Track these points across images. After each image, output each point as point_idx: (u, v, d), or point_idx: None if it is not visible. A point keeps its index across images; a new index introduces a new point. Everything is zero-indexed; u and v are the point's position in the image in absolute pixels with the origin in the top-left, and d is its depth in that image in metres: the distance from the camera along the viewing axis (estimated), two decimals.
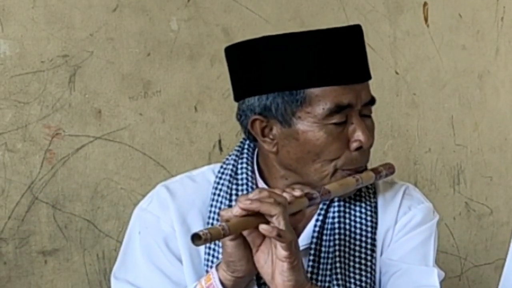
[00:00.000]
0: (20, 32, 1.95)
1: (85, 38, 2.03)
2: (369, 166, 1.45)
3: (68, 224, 2.02)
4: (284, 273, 1.25)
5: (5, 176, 1.95)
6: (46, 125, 1.99)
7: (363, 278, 1.41)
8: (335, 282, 1.40)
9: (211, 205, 1.44)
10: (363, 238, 1.42)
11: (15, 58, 1.95)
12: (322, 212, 1.42)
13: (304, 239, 1.40)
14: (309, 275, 1.38)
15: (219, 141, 2.24)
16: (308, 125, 1.36)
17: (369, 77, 1.43)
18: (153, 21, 2.13)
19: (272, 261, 1.27)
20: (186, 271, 1.42)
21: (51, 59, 1.99)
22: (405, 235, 1.45)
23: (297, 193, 1.30)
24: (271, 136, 1.39)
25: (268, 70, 1.37)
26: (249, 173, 1.44)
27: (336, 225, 1.42)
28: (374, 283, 1.43)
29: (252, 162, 1.46)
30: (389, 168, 1.43)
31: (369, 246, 1.42)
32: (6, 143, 1.95)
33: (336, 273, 1.40)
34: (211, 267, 1.36)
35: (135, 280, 1.42)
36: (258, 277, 1.36)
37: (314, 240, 1.40)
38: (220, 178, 1.46)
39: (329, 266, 1.40)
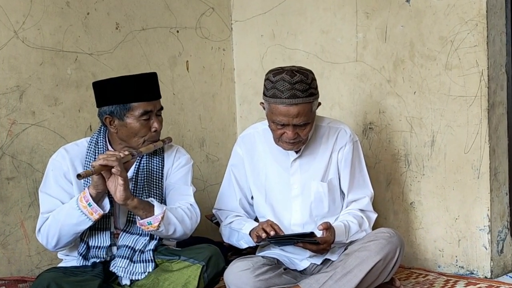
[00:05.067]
0: None
1: None
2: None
3: None
4: (120, 190, 2.68)
5: None
6: None
7: (158, 192, 2.89)
8: (145, 195, 2.86)
9: (86, 158, 2.87)
10: (158, 173, 2.90)
11: None
12: (138, 160, 2.90)
13: (130, 174, 2.86)
14: (133, 191, 2.84)
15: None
16: (131, 120, 2.80)
17: (160, 97, 2.90)
18: None
19: (115, 185, 2.69)
20: (74, 190, 2.83)
21: None
22: (178, 170, 2.94)
23: (126, 152, 2.75)
24: (114, 125, 2.82)
25: (113, 93, 2.81)
26: (104, 142, 2.87)
27: (145, 167, 2.89)
28: (163, 194, 2.92)
29: (105, 137, 2.89)
30: (169, 139, 2.92)
31: (160, 177, 2.90)
32: None
33: (146, 191, 2.87)
34: (86, 187, 2.79)
35: (49, 192, 2.82)
36: (109, 194, 2.76)
37: (134, 174, 2.88)
38: (90, 144, 2.88)
39: (142, 187, 2.87)
